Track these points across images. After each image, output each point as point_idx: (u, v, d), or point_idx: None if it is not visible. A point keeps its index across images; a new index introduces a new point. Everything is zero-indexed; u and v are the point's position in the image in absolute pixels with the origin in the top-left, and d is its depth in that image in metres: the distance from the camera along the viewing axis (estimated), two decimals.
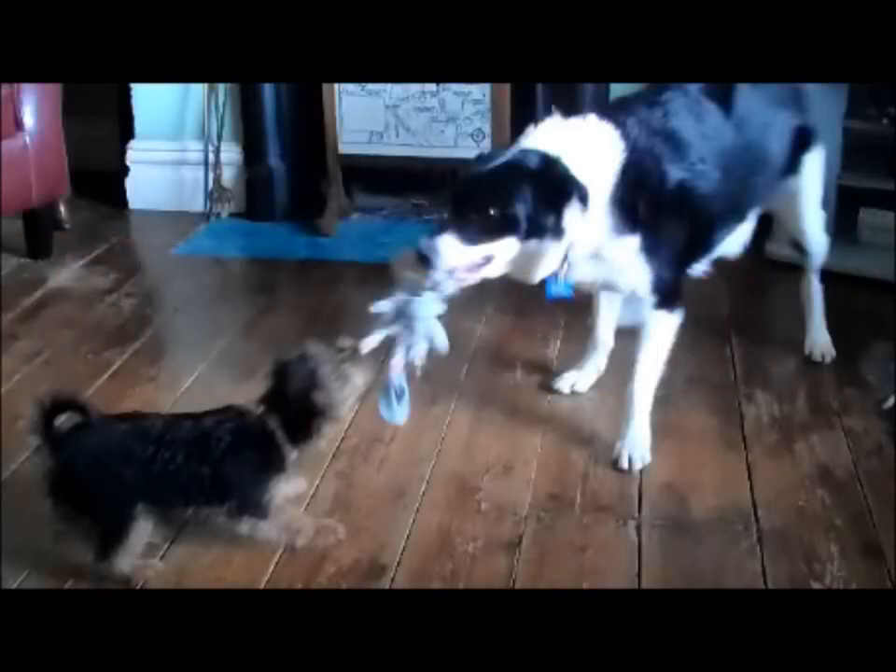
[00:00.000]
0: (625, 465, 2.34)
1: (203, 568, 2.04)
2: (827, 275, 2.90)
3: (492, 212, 2.07)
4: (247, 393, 2.09)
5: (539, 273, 2.18)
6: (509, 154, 2.14)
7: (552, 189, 2.09)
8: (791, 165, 2.62)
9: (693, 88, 2.36)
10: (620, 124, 2.22)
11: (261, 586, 1.99)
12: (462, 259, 2.06)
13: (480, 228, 2.07)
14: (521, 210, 2.07)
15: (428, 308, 2.04)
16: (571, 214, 2.10)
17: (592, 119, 2.24)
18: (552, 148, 2.12)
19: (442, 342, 2.05)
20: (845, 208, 3.43)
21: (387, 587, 1.99)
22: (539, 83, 3.69)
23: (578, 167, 2.10)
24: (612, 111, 2.31)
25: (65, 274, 3.49)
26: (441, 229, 2.08)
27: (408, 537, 2.13)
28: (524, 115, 3.72)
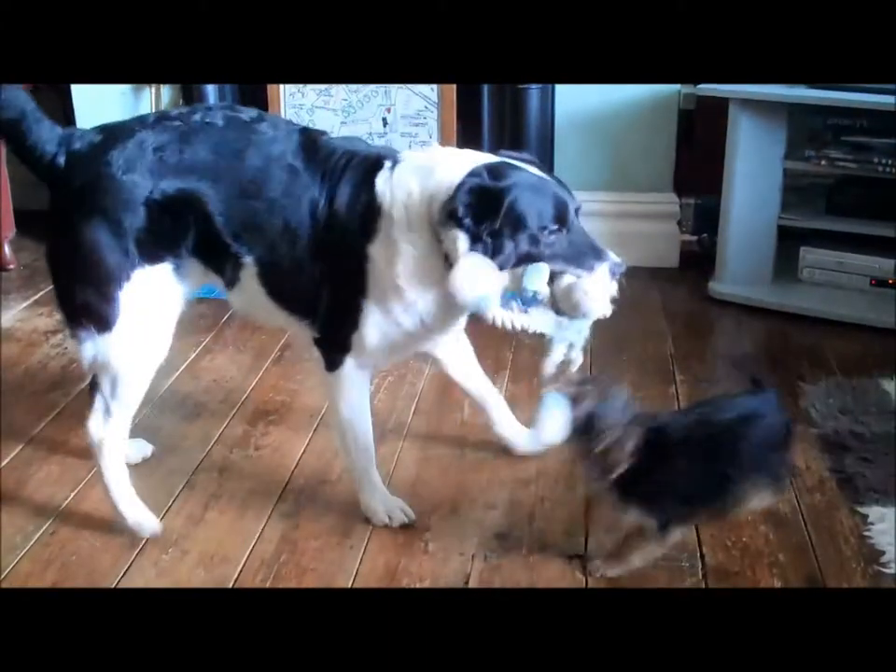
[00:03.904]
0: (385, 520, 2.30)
1: None
2: (769, 313, 2.93)
3: None
4: (194, 441, 2.08)
5: None
6: None
7: None
8: None
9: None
10: None
11: None
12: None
13: None
14: None
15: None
16: None
17: None
18: None
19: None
20: (785, 247, 3.51)
21: None
22: (484, 125, 3.73)
23: None
24: None
25: (9, 315, 3.46)
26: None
27: (355, 577, 2.12)
28: None
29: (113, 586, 2.09)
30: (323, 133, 2.26)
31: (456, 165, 2.07)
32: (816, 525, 2.29)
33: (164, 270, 2.18)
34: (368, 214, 2.10)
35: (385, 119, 3.71)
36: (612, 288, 2.05)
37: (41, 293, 3.64)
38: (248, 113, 2.23)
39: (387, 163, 2.12)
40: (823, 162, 3.39)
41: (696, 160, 3.79)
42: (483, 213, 1.99)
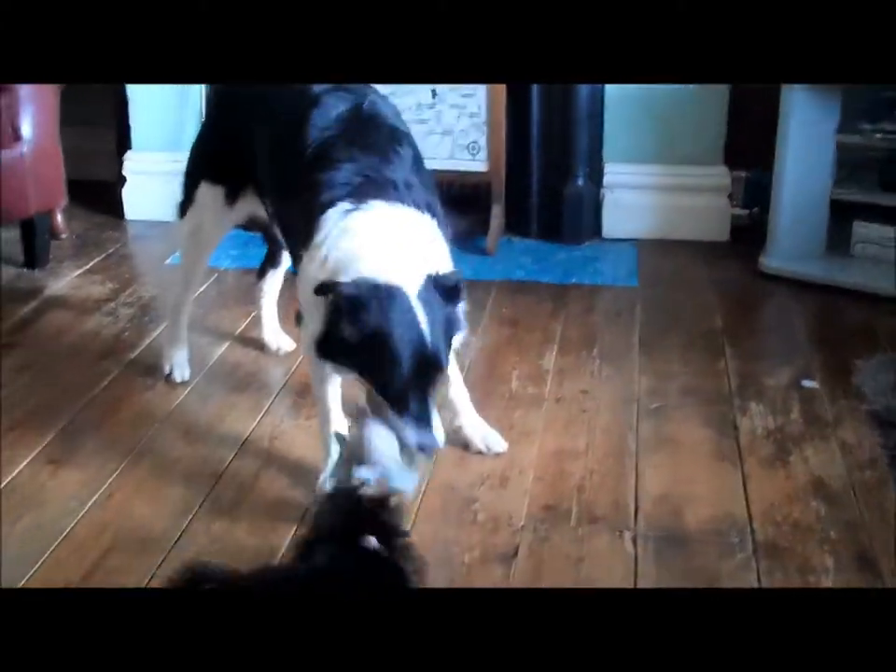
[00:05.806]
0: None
1: None
2: (821, 288, 2.91)
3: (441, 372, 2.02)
4: (243, 410, 2.09)
5: None
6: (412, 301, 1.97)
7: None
8: None
9: None
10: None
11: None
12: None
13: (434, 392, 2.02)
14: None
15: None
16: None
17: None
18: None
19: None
20: (838, 222, 3.47)
21: None
22: (533, 97, 3.72)
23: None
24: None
25: (62, 283, 3.50)
26: (418, 410, 1.96)
27: None
28: (518, 127, 3.77)
29: (166, 553, 2.11)
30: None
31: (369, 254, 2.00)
32: (867, 502, 2.27)
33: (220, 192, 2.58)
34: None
35: (433, 91, 3.70)
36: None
37: (94, 262, 3.68)
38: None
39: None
40: (878, 136, 3.35)
41: (748, 132, 3.75)
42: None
